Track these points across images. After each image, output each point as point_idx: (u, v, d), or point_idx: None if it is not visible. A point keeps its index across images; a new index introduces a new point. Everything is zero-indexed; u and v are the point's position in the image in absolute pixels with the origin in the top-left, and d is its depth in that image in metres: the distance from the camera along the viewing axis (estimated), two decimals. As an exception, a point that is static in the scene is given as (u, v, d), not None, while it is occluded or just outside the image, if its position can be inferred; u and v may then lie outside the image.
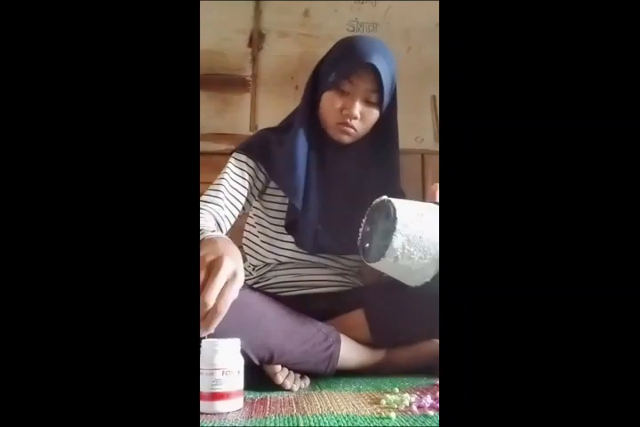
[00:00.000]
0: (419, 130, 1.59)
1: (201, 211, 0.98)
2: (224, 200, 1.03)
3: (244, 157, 1.10)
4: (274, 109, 1.56)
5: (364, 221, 0.90)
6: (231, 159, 1.11)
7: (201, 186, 1.38)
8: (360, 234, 0.90)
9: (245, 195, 1.07)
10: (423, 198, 0.98)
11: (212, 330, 0.65)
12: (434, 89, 1.55)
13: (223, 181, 1.06)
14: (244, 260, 1.19)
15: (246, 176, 1.08)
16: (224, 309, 0.64)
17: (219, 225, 1.00)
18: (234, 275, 0.67)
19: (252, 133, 1.50)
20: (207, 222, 0.93)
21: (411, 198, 0.92)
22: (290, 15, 1.61)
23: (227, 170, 1.09)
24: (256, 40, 1.59)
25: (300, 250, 1.09)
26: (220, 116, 1.56)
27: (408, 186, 1.19)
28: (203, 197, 1.04)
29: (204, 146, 1.47)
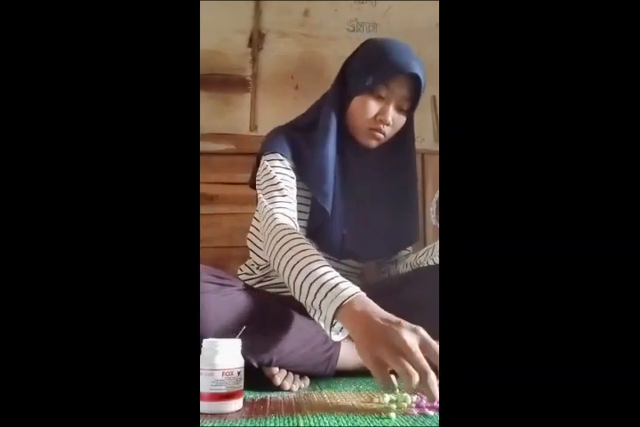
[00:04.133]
0: (419, 130, 1.58)
1: (276, 215, 0.91)
2: (288, 195, 0.99)
3: (280, 156, 1.05)
4: (274, 109, 1.56)
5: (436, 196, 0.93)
6: (269, 161, 1.04)
7: (201, 186, 1.38)
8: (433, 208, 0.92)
9: (295, 190, 1.04)
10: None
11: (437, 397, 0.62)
12: (434, 89, 1.55)
13: (277, 178, 1.00)
14: (248, 257, 1.19)
15: (292, 174, 1.05)
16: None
17: (296, 226, 0.95)
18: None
19: (252, 134, 1.50)
20: (306, 244, 0.85)
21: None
22: (290, 15, 1.61)
23: (272, 171, 1.02)
24: (256, 40, 1.59)
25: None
26: (219, 116, 1.55)
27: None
28: (272, 205, 0.96)
29: (204, 146, 1.47)
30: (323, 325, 0.76)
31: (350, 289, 0.73)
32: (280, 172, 1.03)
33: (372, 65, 1.05)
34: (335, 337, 0.75)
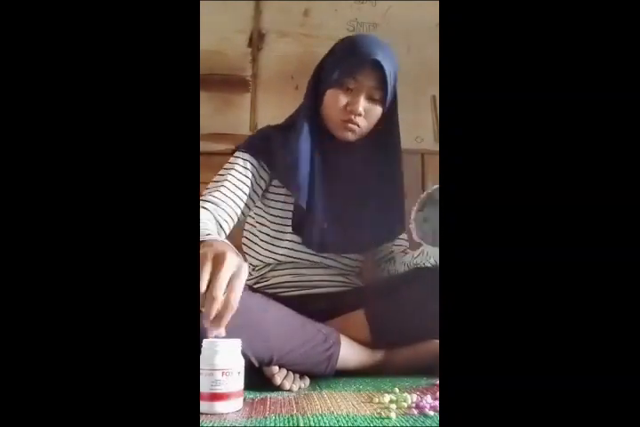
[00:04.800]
0: (419, 130, 1.58)
1: (202, 210, 0.95)
2: (227, 201, 1.01)
3: (247, 156, 1.08)
4: (274, 109, 1.56)
5: (424, 194, 0.90)
6: (234, 159, 1.09)
7: (201, 186, 1.38)
8: (416, 208, 0.90)
9: (248, 195, 1.06)
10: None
11: (222, 327, 0.63)
12: (434, 89, 1.55)
13: (226, 182, 1.04)
14: (244, 259, 1.19)
15: (249, 175, 1.07)
16: (235, 303, 0.63)
17: (221, 227, 0.98)
18: (238, 269, 0.65)
19: (252, 133, 1.50)
20: (207, 224, 0.90)
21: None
22: (290, 15, 1.61)
23: (230, 169, 1.07)
24: (256, 40, 1.59)
25: (300, 249, 1.09)
26: (220, 116, 1.55)
27: (408, 186, 1.19)
28: (205, 197, 1.01)
29: (204, 146, 1.47)
30: None
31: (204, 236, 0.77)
32: (239, 171, 1.06)
33: (338, 59, 1.07)
34: None
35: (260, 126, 1.53)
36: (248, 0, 1.59)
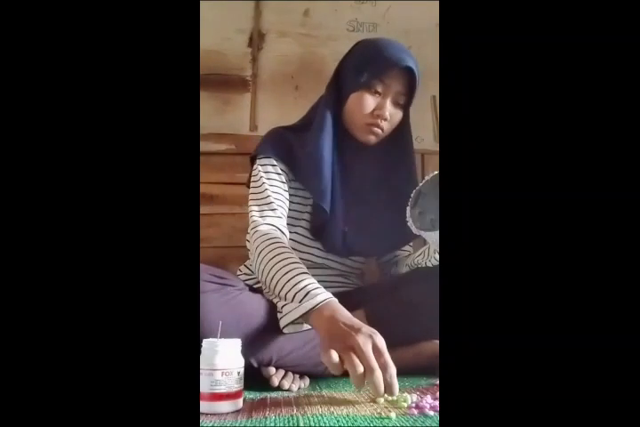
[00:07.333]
0: (419, 130, 1.58)
1: (261, 227, 0.95)
2: (278, 209, 1.01)
3: (273, 161, 1.07)
4: (274, 109, 1.55)
5: (415, 191, 0.86)
6: (262, 166, 1.07)
7: (201, 186, 1.37)
8: (410, 205, 0.86)
9: (288, 198, 1.06)
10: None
11: (396, 388, 0.68)
12: (434, 89, 1.55)
13: (267, 192, 1.03)
14: (247, 258, 1.19)
15: (283, 179, 1.07)
16: (390, 362, 0.69)
17: (285, 236, 0.98)
18: (371, 332, 0.72)
19: (251, 134, 1.50)
20: (291, 257, 0.89)
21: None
22: (290, 15, 1.60)
23: (263, 178, 1.05)
24: (256, 40, 1.58)
25: (302, 250, 1.09)
26: (220, 116, 1.55)
27: (408, 186, 1.18)
28: (256, 221, 0.99)
29: (204, 146, 1.47)
30: (283, 316, 0.83)
31: (322, 295, 0.80)
32: (271, 177, 1.05)
33: (365, 61, 1.06)
34: (285, 329, 0.84)
35: (259, 126, 1.53)
36: (248, 0, 1.59)
